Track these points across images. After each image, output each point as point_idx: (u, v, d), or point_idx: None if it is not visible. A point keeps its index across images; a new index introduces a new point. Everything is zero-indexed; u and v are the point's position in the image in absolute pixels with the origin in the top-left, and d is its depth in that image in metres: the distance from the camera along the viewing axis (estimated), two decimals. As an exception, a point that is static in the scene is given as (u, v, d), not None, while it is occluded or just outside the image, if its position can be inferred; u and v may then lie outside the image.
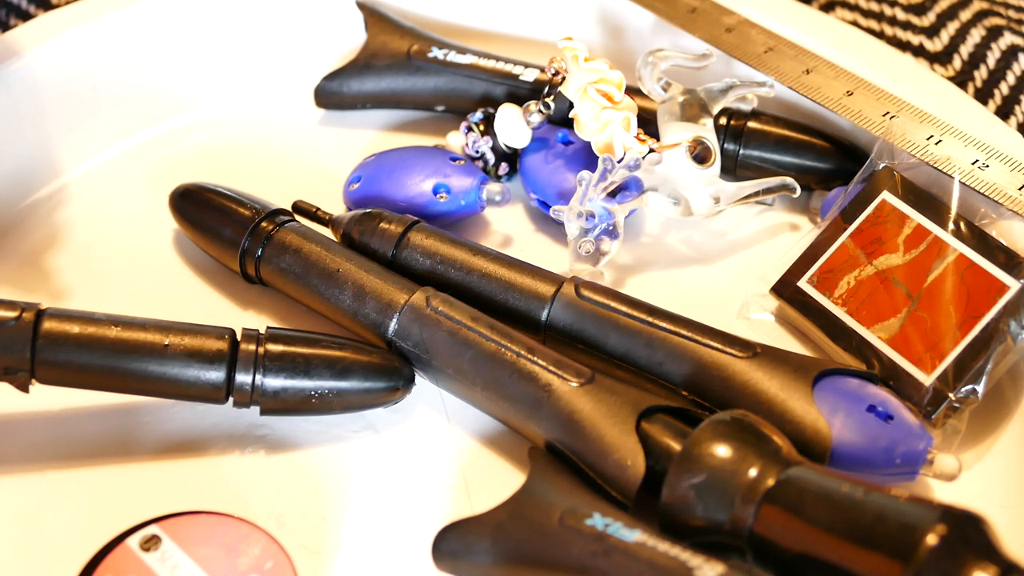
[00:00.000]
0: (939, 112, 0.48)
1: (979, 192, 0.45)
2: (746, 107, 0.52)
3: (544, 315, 0.45)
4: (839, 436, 0.40)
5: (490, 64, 0.55)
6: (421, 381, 0.45)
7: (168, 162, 0.55)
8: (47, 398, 0.44)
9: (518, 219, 0.52)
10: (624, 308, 0.44)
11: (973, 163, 0.45)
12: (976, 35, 0.61)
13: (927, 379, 0.42)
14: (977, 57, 0.60)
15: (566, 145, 0.52)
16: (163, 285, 0.49)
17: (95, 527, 0.40)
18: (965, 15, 0.62)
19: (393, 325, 0.44)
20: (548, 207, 0.50)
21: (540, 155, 0.52)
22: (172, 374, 0.42)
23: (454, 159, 0.51)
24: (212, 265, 0.50)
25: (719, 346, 0.42)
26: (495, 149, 0.52)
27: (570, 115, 0.50)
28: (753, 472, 0.36)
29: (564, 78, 0.50)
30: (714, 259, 0.50)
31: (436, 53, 0.55)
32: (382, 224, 0.47)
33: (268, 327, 0.44)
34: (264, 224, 0.47)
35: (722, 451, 0.37)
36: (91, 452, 0.43)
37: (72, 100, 0.54)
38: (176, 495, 0.42)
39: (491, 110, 0.53)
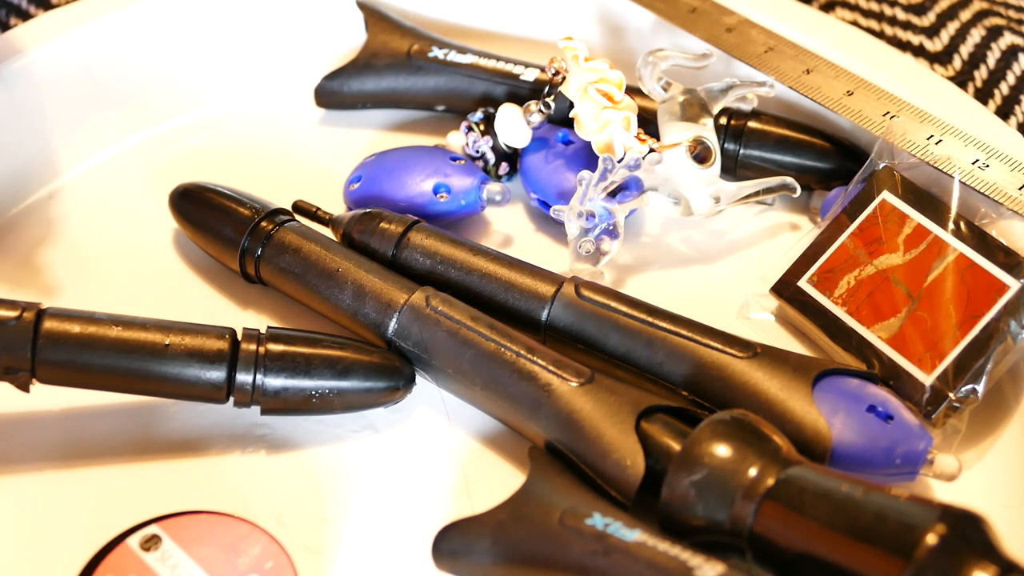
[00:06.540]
0: (939, 112, 0.48)
1: (979, 192, 0.45)
2: (746, 107, 0.52)
3: (544, 315, 0.45)
4: (839, 436, 0.40)
5: (490, 64, 0.55)
6: (421, 381, 0.45)
7: (168, 161, 0.55)
8: (48, 398, 0.44)
9: (518, 219, 0.52)
10: (624, 308, 0.44)
11: (973, 163, 0.45)
12: (976, 35, 0.61)
13: (927, 379, 0.42)
14: (977, 57, 0.59)
15: (566, 145, 0.52)
16: (163, 285, 0.49)
17: (95, 527, 0.40)
18: (965, 15, 0.62)
19: (393, 325, 0.44)
20: (548, 207, 0.50)
21: (540, 155, 0.52)
22: (173, 374, 0.42)
23: (454, 159, 0.51)
24: (212, 265, 0.50)
25: (719, 346, 0.42)
26: (495, 149, 0.52)
27: (570, 115, 0.50)
28: (753, 471, 0.36)
29: (564, 78, 0.50)
30: (714, 259, 0.50)
31: (436, 53, 0.55)
32: (382, 224, 0.47)
33: (269, 327, 0.44)
34: (264, 224, 0.47)
35: (722, 450, 0.37)
36: (91, 452, 0.43)
37: (72, 99, 0.54)
38: (176, 495, 0.42)
39: (491, 110, 0.53)
